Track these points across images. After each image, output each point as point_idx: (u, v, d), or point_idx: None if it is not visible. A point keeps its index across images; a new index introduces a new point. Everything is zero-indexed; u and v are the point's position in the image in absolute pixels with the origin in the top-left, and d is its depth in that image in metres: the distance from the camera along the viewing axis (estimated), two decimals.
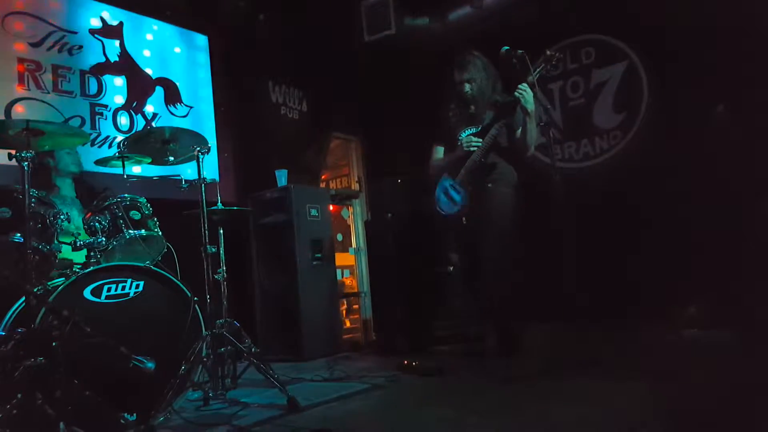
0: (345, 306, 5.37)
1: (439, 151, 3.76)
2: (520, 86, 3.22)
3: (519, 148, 3.46)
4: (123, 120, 4.23)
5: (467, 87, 3.51)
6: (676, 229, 3.81)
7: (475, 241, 3.47)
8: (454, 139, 3.61)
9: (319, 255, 4.36)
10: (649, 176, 4.04)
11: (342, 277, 5.50)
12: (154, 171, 3.54)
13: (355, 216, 5.95)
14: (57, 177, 3.21)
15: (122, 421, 2.20)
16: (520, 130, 3.41)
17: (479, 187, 3.44)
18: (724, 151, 3.62)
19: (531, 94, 3.24)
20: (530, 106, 3.26)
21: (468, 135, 3.52)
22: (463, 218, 3.51)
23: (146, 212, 2.85)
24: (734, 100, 3.72)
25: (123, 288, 2.53)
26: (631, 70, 4.38)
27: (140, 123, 4.33)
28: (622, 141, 4.43)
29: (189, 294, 2.70)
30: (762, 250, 3.27)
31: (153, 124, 4.39)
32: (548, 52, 3.22)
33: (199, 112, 4.76)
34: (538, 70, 3.24)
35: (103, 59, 4.20)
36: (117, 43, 4.30)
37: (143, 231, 2.77)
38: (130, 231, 2.72)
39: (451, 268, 4.28)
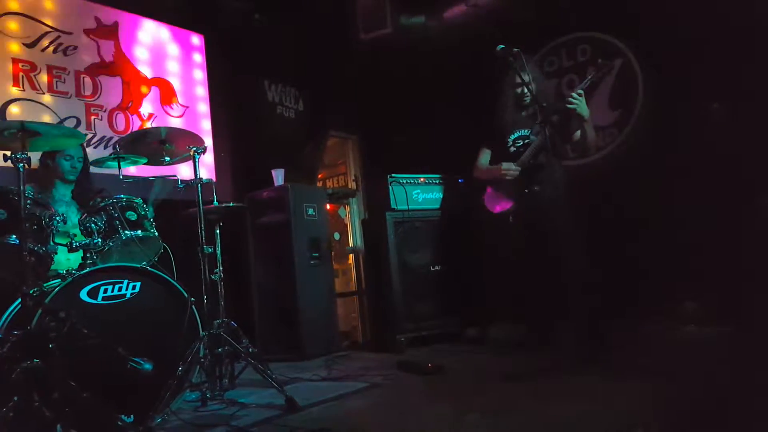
0: (342, 305, 5.37)
1: (486, 154, 3.77)
2: (573, 95, 3.30)
3: (580, 150, 3.67)
4: (119, 120, 4.22)
5: (526, 90, 3.50)
6: (672, 226, 3.81)
7: (526, 241, 3.42)
8: (503, 141, 3.62)
9: (316, 254, 4.36)
10: (645, 173, 4.04)
11: (339, 275, 5.50)
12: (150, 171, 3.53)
13: (352, 215, 5.94)
14: (56, 178, 3.21)
15: (120, 422, 2.19)
16: (578, 133, 3.49)
17: (529, 188, 3.42)
18: (720, 148, 3.62)
19: (583, 101, 3.33)
20: (585, 113, 3.37)
21: (518, 136, 3.56)
22: (510, 217, 3.50)
23: (142, 213, 2.85)
24: (730, 97, 3.72)
25: (119, 289, 2.53)
26: (627, 67, 4.38)
27: (136, 123, 4.32)
28: (617, 138, 4.44)
29: (186, 294, 2.69)
30: (760, 248, 3.28)
31: (149, 124, 4.37)
32: (600, 61, 3.43)
33: (195, 112, 4.75)
34: (589, 78, 3.38)
35: (98, 59, 4.18)
36: (112, 43, 4.29)
37: (139, 232, 2.76)
38: (127, 232, 2.71)
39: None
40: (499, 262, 3.81)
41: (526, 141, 3.50)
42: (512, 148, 3.58)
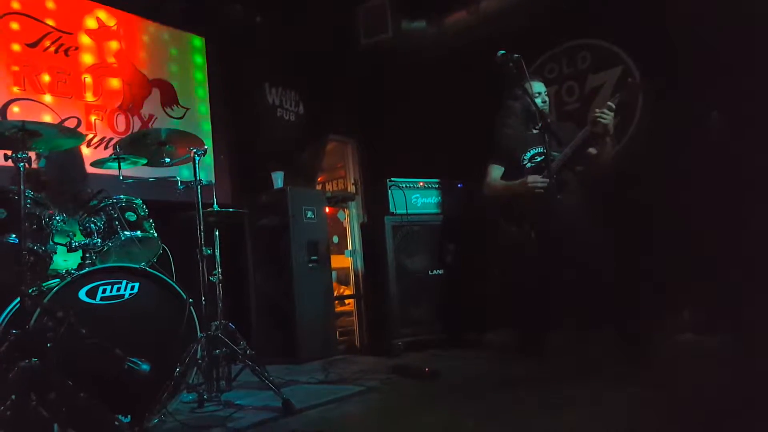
0: (340, 308, 5.37)
1: (496, 170, 3.63)
2: (604, 110, 3.27)
3: (595, 165, 3.49)
4: (119, 121, 4.22)
5: (529, 100, 3.37)
6: (672, 233, 3.82)
7: (551, 255, 3.34)
8: (516, 157, 3.55)
9: (314, 257, 4.36)
10: (645, 180, 4.05)
11: (337, 279, 5.50)
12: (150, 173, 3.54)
13: (351, 218, 5.95)
14: None
15: (116, 423, 2.19)
16: (595, 148, 3.44)
17: (551, 203, 3.27)
18: (719, 155, 3.63)
19: (611, 117, 3.29)
20: (611, 129, 3.35)
21: (536, 152, 3.52)
22: (532, 233, 3.44)
23: (142, 213, 2.86)
24: (729, 105, 3.73)
25: (118, 289, 2.53)
26: (627, 75, 4.40)
27: (136, 124, 4.32)
28: (617, 145, 4.44)
29: (184, 296, 2.69)
30: (759, 255, 3.29)
31: (149, 125, 4.38)
32: (629, 80, 3.57)
33: (195, 114, 4.76)
34: (617, 95, 3.38)
35: (100, 60, 4.19)
36: (114, 44, 4.30)
37: (139, 232, 2.77)
38: (126, 232, 2.72)
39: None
40: (511, 274, 3.74)
41: (545, 156, 3.36)
42: (529, 164, 3.52)
